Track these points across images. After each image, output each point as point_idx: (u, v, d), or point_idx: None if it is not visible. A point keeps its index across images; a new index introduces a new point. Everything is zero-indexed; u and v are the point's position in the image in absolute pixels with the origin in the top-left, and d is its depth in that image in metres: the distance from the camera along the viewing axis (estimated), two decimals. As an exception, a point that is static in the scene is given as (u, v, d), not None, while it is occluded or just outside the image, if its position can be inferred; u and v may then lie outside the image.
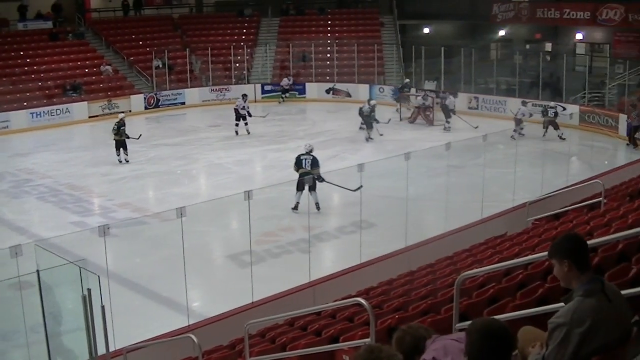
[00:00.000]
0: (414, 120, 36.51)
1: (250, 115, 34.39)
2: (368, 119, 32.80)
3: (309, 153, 22.53)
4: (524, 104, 34.19)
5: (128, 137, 28.80)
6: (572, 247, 4.84)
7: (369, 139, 32.54)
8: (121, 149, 28.75)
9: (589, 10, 39.76)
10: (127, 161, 28.74)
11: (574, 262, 4.78)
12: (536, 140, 28.33)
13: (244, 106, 34.19)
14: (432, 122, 36.24)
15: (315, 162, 22.20)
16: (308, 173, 21.63)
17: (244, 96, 35.15)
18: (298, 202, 21.60)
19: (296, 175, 22.03)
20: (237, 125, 34.23)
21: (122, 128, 28.75)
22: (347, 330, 9.66)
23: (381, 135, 32.86)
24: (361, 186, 19.35)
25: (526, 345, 4.96)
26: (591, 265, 4.87)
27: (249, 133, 34.04)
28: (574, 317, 4.59)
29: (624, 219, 11.60)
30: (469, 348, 3.99)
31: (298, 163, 22.30)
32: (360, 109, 33.85)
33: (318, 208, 21.59)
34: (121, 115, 29.80)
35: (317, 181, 21.51)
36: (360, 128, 33.86)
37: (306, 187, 20.94)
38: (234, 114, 34.42)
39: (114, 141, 28.83)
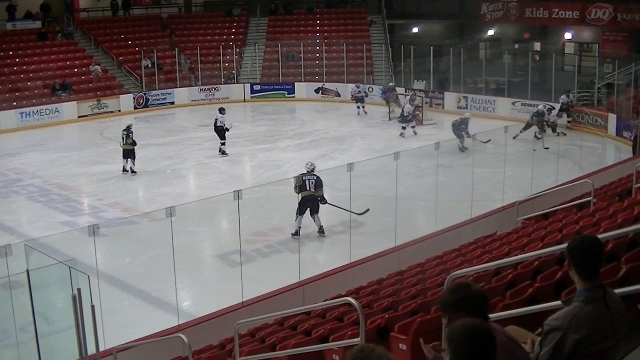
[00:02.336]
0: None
1: (227, 130, 30.26)
2: (457, 131, 29.62)
3: (311, 172, 19.91)
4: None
5: (136, 144, 27.32)
6: (576, 252, 4.77)
7: (463, 148, 29.03)
8: (129, 158, 27.16)
9: (578, 9, 39.80)
10: (134, 172, 27.23)
11: (574, 266, 4.77)
12: (525, 140, 28.37)
13: (222, 121, 30.32)
14: (422, 122, 36.21)
15: (319, 183, 19.68)
16: (312, 195, 19.54)
17: (222, 110, 31.10)
18: (300, 227, 19.57)
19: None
20: (223, 144, 30.42)
21: (131, 134, 27.15)
22: (337, 330, 9.66)
23: (463, 149, 29.19)
24: (367, 210, 19.49)
25: None
26: (597, 274, 4.78)
27: (225, 154, 30.24)
28: (571, 323, 4.59)
29: (613, 219, 11.65)
30: (456, 352, 3.96)
31: (301, 184, 19.56)
32: (454, 123, 30.75)
33: (322, 232, 19.83)
34: (129, 122, 28.30)
35: (319, 203, 19.75)
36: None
37: (307, 211, 19.65)
38: (217, 133, 30.52)
39: (122, 150, 27.19)
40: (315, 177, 19.72)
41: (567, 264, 4.85)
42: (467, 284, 4.63)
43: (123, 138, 27.10)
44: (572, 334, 4.55)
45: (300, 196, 19.41)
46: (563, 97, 34.61)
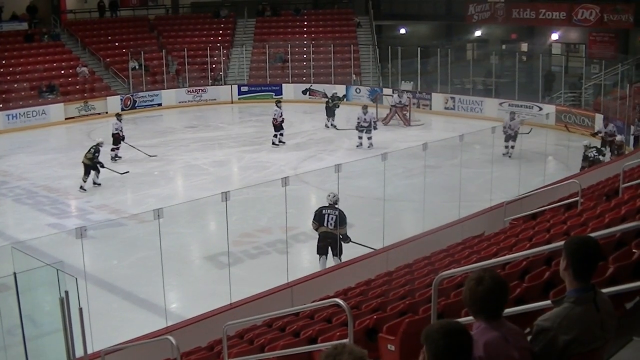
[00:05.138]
0: (389, 121, 36.36)
1: (123, 140, 29.71)
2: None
3: (333, 206, 16.95)
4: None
5: (103, 167, 25.83)
6: (576, 251, 4.77)
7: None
8: (92, 171, 25.63)
9: (565, 10, 39.99)
10: (99, 184, 25.84)
11: (571, 265, 4.77)
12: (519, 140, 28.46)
13: (121, 128, 29.86)
14: (409, 122, 36.21)
15: (342, 220, 16.83)
16: (330, 234, 16.89)
17: (118, 116, 30.93)
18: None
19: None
20: (113, 149, 29.53)
21: (97, 154, 25.58)
22: (326, 331, 9.66)
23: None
24: None
25: None
26: (591, 276, 4.79)
27: (114, 159, 29.36)
28: (561, 324, 4.59)
29: (600, 219, 11.67)
30: (433, 349, 4.00)
31: (319, 219, 16.96)
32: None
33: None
34: (99, 140, 26.70)
35: (342, 242, 17.00)
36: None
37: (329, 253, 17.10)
38: (112, 139, 29.72)
39: (83, 165, 25.50)
40: (337, 212, 16.85)
41: (563, 262, 4.84)
42: (472, 281, 4.57)
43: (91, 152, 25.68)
44: (563, 335, 4.56)
45: (318, 233, 17.15)
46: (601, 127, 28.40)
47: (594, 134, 28.94)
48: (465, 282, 4.62)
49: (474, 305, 4.51)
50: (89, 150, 25.75)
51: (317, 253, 17.19)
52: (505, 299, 4.62)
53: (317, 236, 17.18)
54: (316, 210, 17.20)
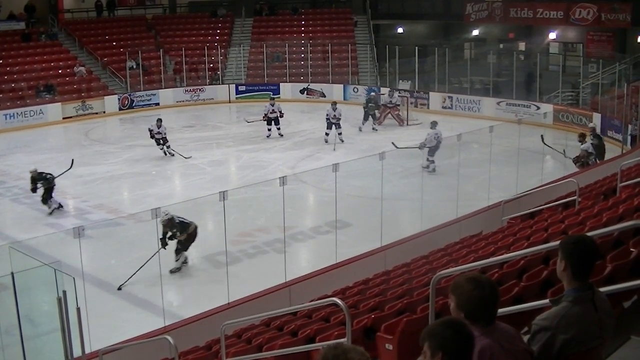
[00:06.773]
0: (382, 121, 36.23)
1: (166, 142, 30.10)
2: None
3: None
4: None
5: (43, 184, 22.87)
6: (573, 251, 4.77)
7: None
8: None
9: (562, 9, 39.96)
10: (62, 206, 23.32)
11: (570, 265, 4.77)
12: (511, 139, 28.44)
13: (158, 132, 30.12)
14: (404, 122, 36.11)
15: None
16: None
17: (159, 121, 30.46)
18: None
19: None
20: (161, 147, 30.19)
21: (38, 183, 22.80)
22: (324, 330, 9.66)
23: None
24: None
25: None
26: (589, 275, 4.81)
27: (167, 154, 30.29)
28: (560, 323, 4.61)
29: (598, 217, 11.67)
30: (440, 342, 3.97)
31: (181, 227, 17.75)
32: None
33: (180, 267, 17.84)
34: (32, 168, 23.27)
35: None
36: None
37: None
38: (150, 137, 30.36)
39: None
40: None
41: (560, 263, 4.83)
42: (475, 290, 4.53)
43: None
44: (561, 334, 4.57)
45: (185, 235, 17.73)
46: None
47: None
48: (456, 288, 4.56)
49: (475, 312, 4.42)
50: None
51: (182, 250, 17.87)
52: (499, 304, 4.62)
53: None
54: (175, 223, 17.52)
